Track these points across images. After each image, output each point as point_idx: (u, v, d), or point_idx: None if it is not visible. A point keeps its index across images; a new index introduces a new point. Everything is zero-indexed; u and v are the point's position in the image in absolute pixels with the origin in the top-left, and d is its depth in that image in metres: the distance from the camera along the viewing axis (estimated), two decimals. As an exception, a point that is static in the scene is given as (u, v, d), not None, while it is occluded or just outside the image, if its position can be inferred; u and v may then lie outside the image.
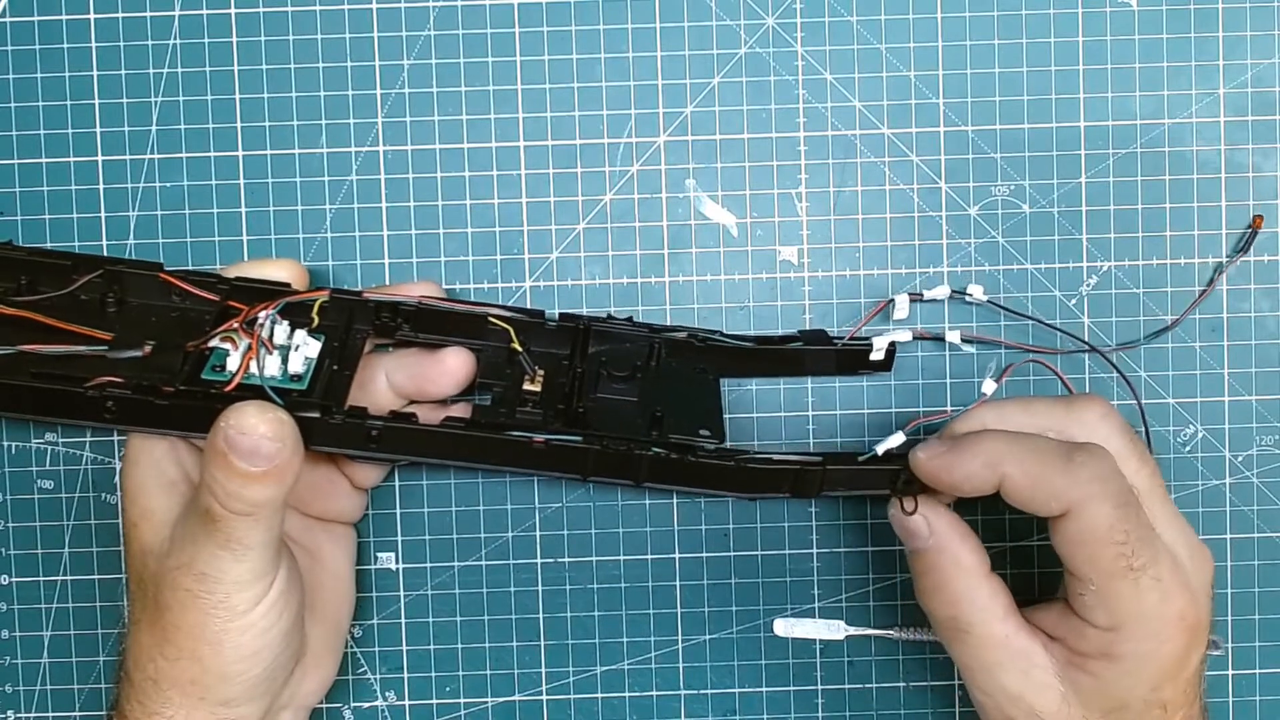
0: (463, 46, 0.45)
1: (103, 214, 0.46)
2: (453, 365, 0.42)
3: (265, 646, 0.39)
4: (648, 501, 0.47)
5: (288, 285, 0.42)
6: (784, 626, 0.47)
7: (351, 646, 0.47)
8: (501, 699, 0.47)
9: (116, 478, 0.46)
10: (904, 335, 0.45)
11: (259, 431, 0.36)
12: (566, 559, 0.47)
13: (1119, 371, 0.45)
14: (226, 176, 0.46)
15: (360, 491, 0.45)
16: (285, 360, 0.40)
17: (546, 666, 0.47)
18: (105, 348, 0.40)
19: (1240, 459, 0.46)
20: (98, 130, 0.45)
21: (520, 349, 0.43)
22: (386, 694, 0.47)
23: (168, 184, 0.46)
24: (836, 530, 0.47)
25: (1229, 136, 0.46)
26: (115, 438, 0.46)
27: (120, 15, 0.45)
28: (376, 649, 0.47)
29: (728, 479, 0.42)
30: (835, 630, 0.47)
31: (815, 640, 0.47)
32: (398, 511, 0.47)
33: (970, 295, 0.45)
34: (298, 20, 0.45)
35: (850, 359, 0.45)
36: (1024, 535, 0.46)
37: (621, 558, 0.47)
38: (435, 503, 0.46)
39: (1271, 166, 0.46)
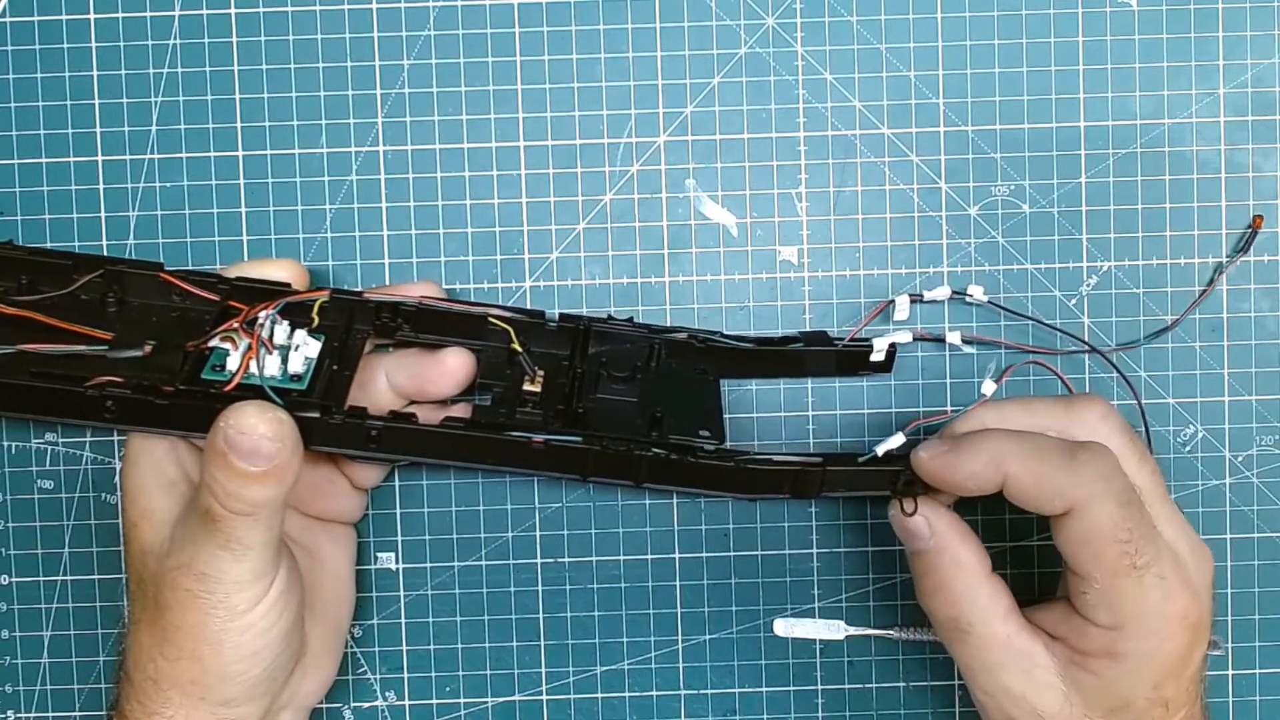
0: (463, 46, 0.45)
1: (103, 214, 0.46)
2: (453, 365, 0.42)
3: (265, 646, 0.39)
4: (648, 501, 0.47)
5: (288, 285, 0.42)
6: (784, 626, 0.47)
7: (351, 646, 0.47)
8: (501, 699, 0.47)
9: (116, 478, 0.46)
10: (904, 336, 0.45)
11: (259, 431, 0.36)
12: (566, 559, 0.47)
13: (1119, 372, 0.45)
14: (226, 176, 0.46)
15: (360, 491, 0.45)
16: (285, 360, 0.40)
17: (546, 666, 0.47)
18: (105, 347, 0.40)
19: (1240, 459, 0.46)
20: (98, 130, 0.45)
21: (520, 349, 0.43)
22: (386, 694, 0.47)
23: (168, 184, 0.46)
24: (836, 530, 0.47)
25: (1229, 136, 0.46)
26: (115, 438, 0.46)
27: (120, 15, 0.45)
28: (376, 649, 0.47)
29: (728, 480, 0.42)
30: (835, 630, 0.46)
31: (815, 640, 0.47)
32: (398, 511, 0.46)
33: (970, 296, 0.45)
34: (298, 20, 0.45)
35: (850, 360, 0.45)
36: (1024, 535, 0.46)
37: (621, 558, 0.47)
38: (435, 503, 0.46)
39: (1271, 166, 0.46)
